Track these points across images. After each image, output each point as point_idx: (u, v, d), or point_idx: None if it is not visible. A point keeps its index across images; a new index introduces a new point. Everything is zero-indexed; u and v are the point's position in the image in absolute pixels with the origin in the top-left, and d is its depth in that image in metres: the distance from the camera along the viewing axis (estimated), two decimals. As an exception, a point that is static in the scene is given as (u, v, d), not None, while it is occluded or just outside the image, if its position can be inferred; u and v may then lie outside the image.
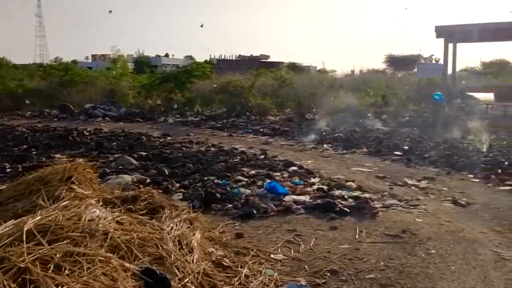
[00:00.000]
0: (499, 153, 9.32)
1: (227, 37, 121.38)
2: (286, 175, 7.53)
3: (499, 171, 7.78)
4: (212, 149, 10.08)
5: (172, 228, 3.86)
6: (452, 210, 5.81)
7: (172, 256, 3.34)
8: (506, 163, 8.24)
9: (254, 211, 5.51)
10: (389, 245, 4.50)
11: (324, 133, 12.52)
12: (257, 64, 40.89)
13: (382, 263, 4.03)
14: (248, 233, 4.86)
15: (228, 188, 6.52)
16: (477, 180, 7.45)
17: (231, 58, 53.55)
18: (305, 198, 6.10)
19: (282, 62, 45.30)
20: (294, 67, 40.32)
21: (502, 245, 4.53)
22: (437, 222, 5.20)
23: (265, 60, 51.42)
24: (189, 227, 4.16)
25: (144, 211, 4.31)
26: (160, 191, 6.02)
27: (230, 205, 5.78)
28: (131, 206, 4.38)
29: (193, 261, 3.51)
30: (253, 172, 7.61)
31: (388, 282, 3.68)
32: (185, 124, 15.88)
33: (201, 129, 14.57)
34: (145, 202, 4.52)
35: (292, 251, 4.35)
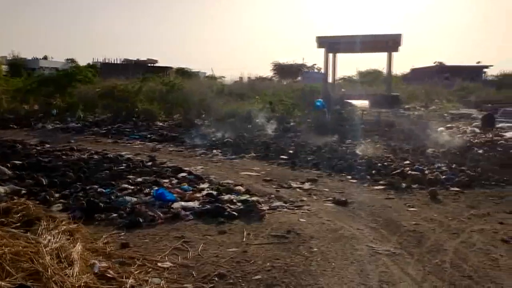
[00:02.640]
0: (373, 155, 10.08)
1: (112, 40, 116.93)
2: (175, 181, 7.43)
3: (374, 172, 8.43)
4: (96, 156, 9.60)
5: (49, 240, 3.62)
6: (332, 209, 6.15)
7: (49, 271, 3.13)
8: (379, 164, 8.94)
9: (141, 220, 5.35)
10: (275, 245, 4.64)
11: (213, 139, 12.58)
12: (144, 69, 39.94)
13: (268, 264, 4.13)
14: (134, 242, 4.70)
15: (113, 197, 6.27)
16: (355, 181, 7.98)
17: (116, 62, 51.60)
18: (194, 204, 6.08)
19: (171, 67, 44.75)
20: (183, 73, 40.08)
21: (376, 240, 4.90)
22: (319, 222, 5.48)
23: (152, 65, 50.32)
24: (69, 239, 3.93)
25: (18, 224, 3.99)
26: (37, 202, 5.62)
27: (115, 214, 5.55)
28: (2, 219, 4.04)
29: (73, 275, 3.31)
30: (139, 179, 7.40)
31: (274, 281, 3.79)
32: (66, 130, 14.99)
33: (84, 135, 13.87)
34: (19, 215, 4.19)
35: (180, 258, 4.29)
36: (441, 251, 4.61)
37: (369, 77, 42.76)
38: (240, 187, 7.04)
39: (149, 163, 8.93)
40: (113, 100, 18.79)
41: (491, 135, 13.08)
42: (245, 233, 4.99)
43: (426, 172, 8.28)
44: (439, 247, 4.73)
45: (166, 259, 4.25)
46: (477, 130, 14.35)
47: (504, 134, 13.26)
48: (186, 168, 8.43)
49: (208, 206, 5.87)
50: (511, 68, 45.62)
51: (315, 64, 56.28)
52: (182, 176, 7.77)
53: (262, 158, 10.11)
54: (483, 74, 49.53)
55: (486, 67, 49.34)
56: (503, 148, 10.90)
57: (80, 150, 10.56)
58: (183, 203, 6.07)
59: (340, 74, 44.19)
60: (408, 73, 51.15)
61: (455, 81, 37.96)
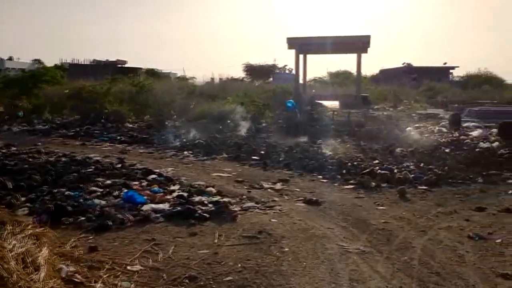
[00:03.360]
0: (343, 155, 10.19)
1: (81, 41, 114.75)
2: (145, 183, 7.34)
3: (344, 171, 8.52)
4: (63, 159, 9.39)
5: (14, 245, 3.52)
6: (304, 209, 6.18)
7: (15, 276, 3.04)
8: (349, 164, 9.05)
9: (110, 223, 5.26)
10: (247, 246, 4.63)
11: (184, 140, 12.49)
12: (113, 70, 39.36)
13: (239, 265, 4.12)
14: (103, 246, 4.62)
15: (81, 200, 6.14)
16: (325, 181, 8.05)
17: (85, 62, 50.68)
18: (165, 206, 6.02)
19: (141, 68, 44.24)
20: (153, 73, 39.67)
21: (346, 239, 4.95)
22: (291, 221, 5.50)
23: (122, 66, 49.63)
24: (35, 243, 3.83)
25: (-19, 229, 3.86)
26: (2, 206, 5.48)
27: (83, 218, 5.44)
28: (-37, 225, 3.91)
29: (39, 280, 3.23)
30: (109, 182, 7.27)
31: (245, 282, 3.78)
32: (33, 133, 14.62)
33: (51, 138, 13.56)
34: (-18, 219, 4.06)
35: (150, 260, 4.23)
36: (409, 248, 4.69)
37: (339, 78, 43.34)
38: (211, 189, 7.01)
39: (119, 165, 8.80)
40: (81, 101, 18.43)
41: (457, 135, 13.40)
42: (216, 235, 4.97)
43: (395, 171, 8.42)
44: (408, 244, 4.81)
45: (136, 262, 4.19)
46: (444, 130, 14.68)
47: (470, 133, 13.60)
48: (156, 170, 8.34)
49: (179, 208, 5.81)
50: (476, 69, 46.80)
51: (286, 65, 56.59)
52: (152, 178, 7.68)
53: (233, 159, 10.09)
54: (450, 75, 50.73)
55: (453, 68, 50.54)
56: (469, 147, 11.18)
57: (47, 152, 10.30)
58: (153, 205, 6.00)
59: (311, 75, 44.69)
60: (377, 74, 51.98)
61: (422, 81, 38.78)
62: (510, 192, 7.20)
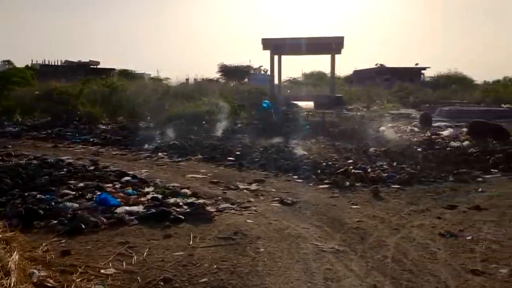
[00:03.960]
0: (318, 155, 10.27)
1: (52, 41, 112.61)
2: (118, 186, 7.26)
3: (319, 171, 8.59)
4: (35, 161, 9.18)
5: (-17, 251, 3.43)
6: (279, 209, 6.20)
7: (-17, 283, 2.96)
8: (324, 164, 9.13)
9: (83, 226, 5.17)
10: (222, 247, 4.62)
11: (159, 141, 12.38)
12: (86, 71, 38.77)
13: (215, 266, 4.11)
14: (76, 249, 4.54)
15: (53, 203, 6.02)
16: (301, 181, 8.10)
17: (56, 63, 49.70)
18: (139, 208, 5.95)
19: (114, 69, 43.67)
20: (127, 74, 39.26)
21: (321, 238, 4.99)
22: (266, 222, 5.51)
23: (95, 66, 48.88)
24: (5, 248, 3.76)
25: None
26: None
27: (55, 221, 5.34)
28: None
29: (10, 285, 3.17)
30: (81, 184, 7.16)
31: (221, 284, 3.77)
32: (2, 135, 14.24)
33: (22, 140, 13.25)
34: (-51, 225, 3.95)
35: (124, 263, 4.18)
36: (383, 246, 4.76)
37: (314, 79, 43.69)
38: (186, 190, 6.98)
39: (92, 168, 8.66)
40: (52, 102, 18.07)
41: (429, 134, 13.66)
42: (191, 236, 4.94)
43: (369, 170, 8.53)
44: (381, 243, 4.88)
45: (110, 265, 4.13)
46: (416, 129, 14.96)
47: (441, 132, 13.89)
48: (130, 172, 8.25)
49: (153, 210, 5.76)
50: (447, 69, 47.81)
51: (261, 66, 56.79)
52: (126, 180, 7.60)
53: (208, 160, 10.06)
54: (421, 76, 51.68)
55: (424, 68, 51.51)
56: (440, 146, 11.42)
57: (18, 155, 10.08)
58: (127, 207, 5.93)
59: (286, 75, 44.91)
60: (350, 75, 52.57)
61: (395, 82, 39.39)
62: (480, 190, 7.38)
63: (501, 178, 8.27)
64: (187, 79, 39.36)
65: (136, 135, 13.63)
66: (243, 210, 6.06)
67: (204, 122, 16.02)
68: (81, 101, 18.43)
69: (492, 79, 43.36)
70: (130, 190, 6.91)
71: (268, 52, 23.12)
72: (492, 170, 8.81)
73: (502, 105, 23.55)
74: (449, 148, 10.95)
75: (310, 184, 7.84)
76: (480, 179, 8.14)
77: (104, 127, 16.19)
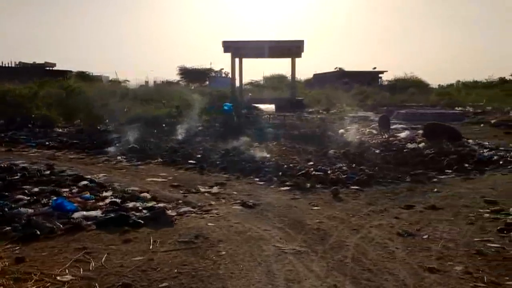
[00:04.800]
0: (279, 157, 10.32)
1: (6, 42, 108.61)
2: (75, 190, 7.06)
3: (280, 173, 8.62)
4: (-14, 166, 8.81)
5: None
6: (241, 212, 6.19)
7: None
8: (285, 166, 9.18)
9: (38, 232, 5.00)
10: (183, 251, 4.56)
11: (117, 145, 12.13)
12: (41, 73, 37.58)
13: (175, 270, 4.05)
14: (30, 256, 4.39)
15: (6, 209, 5.79)
16: (262, 183, 8.11)
17: (10, 65, 47.92)
18: (97, 213, 5.81)
19: (71, 71, 42.54)
20: (84, 76, 38.32)
21: (282, 240, 5.01)
22: (228, 225, 5.49)
23: (50, 68, 47.45)
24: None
25: None
26: None
27: (9, 228, 5.13)
28: None
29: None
30: (36, 189, 6.92)
31: (181, 288, 3.72)
32: (-48, 139, 13.60)
33: (-28, 144, 12.69)
34: None
35: (81, 270, 4.06)
36: (343, 247, 4.82)
37: (275, 82, 43.96)
38: (146, 194, 6.86)
39: (47, 172, 8.39)
40: (6, 105, 17.40)
41: (386, 136, 13.99)
42: (151, 241, 4.86)
43: (329, 172, 8.65)
44: (341, 243, 4.94)
45: (66, 272, 4.01)
46: (374, 132, 15.27)
47: (398, 134, 14.24)
48: (87, 176, 8.03)
49: (112, 215, 5.63)
50: (403, 73, 49.11)
51: (222, 69, 56.63)
52: (84, 185, 7.40)
53: (169, 163, 9.93)
54: (379, 79, 52.90)
55: (381, 72, 52.75)
56: (397, 148, 11.70)
57: (-33, 160, 9.64)
58: (84, 212, 5.77)
59: (247, 78, 45.00)
60: (311, 78, 53.23)
61: (354, 85, 40.14)
62: (435, 190, 7.61)
63: (455, 179, 8.56)
64: (147, 82, 38.83)
65: (94, 138, 13.30)
66: (204, 214, 6.01)
67: (164, 125, 15.82)
68: (36, 104, 17.83)
69: (446, 83, 44.95)
70: (87, 194, 6.73)
71: (229, 55, 23.07)
72: (446, 170, 9.10)
73: (456, 108, 24.39)
74: (406, 150, 11.23)
75: (272, 186, 7.87)
76: (435, 179, 8.39)
77: (60, 130, 15.74)
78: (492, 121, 17.63)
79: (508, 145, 12.26)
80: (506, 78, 40.56)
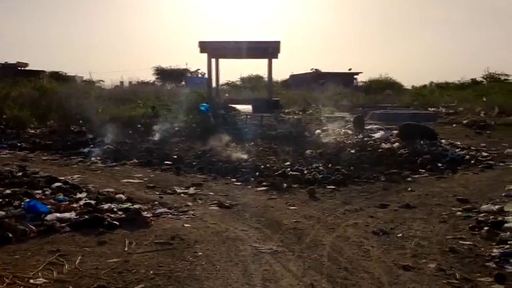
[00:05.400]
0: (256, 157, 10.34)
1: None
2: (48, 192, 6.92)
3: (257, 173, 8.64)
4: (-45, 168, 8.58)
5: None
6: (217, 212, 6.18)
7: None
8: (262, 166, 9.19)
9: (10, 235, 4.89)
10: (159, 253, 4.53)
11: (92, 146, 11.95)
12: (13, 73, 36.77)
13: (151, 272, 4.02)
14: (2, 259, 4.30)
15: (-24, 212, 5.64)
16: (239, 183, 8.12)
17: (-20, 65, 46.70)
18: (71, 215, 5.72)
19: (44, 71, 41.70)
20: (58, 77, 37.62)
21: (259, 240, 5.03)
22: (204, 226, 5.47)
23: (23, 68, 46.43)
24: None
25: None
26: None
27: (-21, 231, 5.00)
28: None
29: None
30: (8, 191, 6.76)
31: (158, 289, 3.69)
32: None
33: None
34: None
35: (55, 273, 3.99)
36: (319, 246, 4.86)
37: (252, 83, 43.97)
38: (121, 195, 6.77)
39: (19, 173, 8.22)
40: (-25, 106, 16.98)
41: (361, 136, 14.13)
42: (127, 242, 4.81)
43: (305, 172, 8.70)
44: (318, 242, 4.98)
45: (39, 275, 3.94)
46: (350, 132, 15.40)
47: (372, 135, 14.40)
48: (61, 178, 7.89)
49: (86, 217, 5.55)
50: (378, 74, 49.68)
51: (199, 69, 56.26)
52: (57, 186, 7.26)
53: (145, 164, 9.83)
54: (355, 80, 53.42)
55: (357, 73, 53.27)
56: (372, 148, 11.83)
57: None
58: (58, 214, 5.67)
59: (224, 79, 44.87)
60: (287, 79, 53.42)
61: (329, 86, 40.47)
62: (409, 189, 7.74)
63: (429, 178, 8.72)
64: (122, 82, 38.42)
65: (68, 139, 13.08)
66: (181, 215, 5.98)
67: (139, 125, 15.66)
68: (8, 104, 17.44)
69: (420, 84, 45.62)
70: (61, 196, 6.61)
71: (205, 55, 22.95)
72: (420, 170, 9.26)
73: (429, 108, 24.81)
74: (381, 150, 11.37)
75: (249, 187, 7.88)
76: (409, 179, 8.53)
77: (33, 131, 15.39)
78: (464, 121, 17.97)
79: (479, 145, 12.56)
80: (477, 79, 41.45)
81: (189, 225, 5.46)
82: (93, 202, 6.30)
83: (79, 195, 6.77)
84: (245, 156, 10.43)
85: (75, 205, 6.22)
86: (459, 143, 12.71)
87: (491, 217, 5.84)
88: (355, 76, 53.35)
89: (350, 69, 52.86)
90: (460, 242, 5.02)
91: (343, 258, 4.52)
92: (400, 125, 13.49)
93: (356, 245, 4.91)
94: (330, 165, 9.46)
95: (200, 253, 4.52)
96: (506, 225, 5.41)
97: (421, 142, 11.61)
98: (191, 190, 7.47)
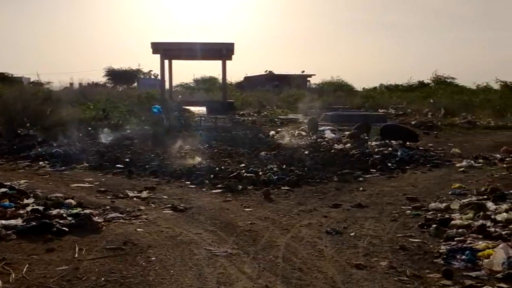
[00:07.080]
0: (211, 160, 10.27)
1: None
2: (-7, 198, 6.60)
3: (212, 176, 8.58)
4: None
5: None
6: (171, 216, 6.10)
7: None
8: (217, 168, 9.15)
9: (-51, 245, 4.63)
10: (110, 259, 4.42)
11: (40, 149, 11.50)
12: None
13: (102, 279, 3.91)
14: None
15: None
16: (194, 186, 8.04)
17: None
18: (17, 221, 5.51)
19: (-13, 73, 39.90)
20: (3, 78, 36.08)
21: (214, 243, 4.99)
22: (158, 230, 5.39)
23: (-36, 69, 44.23)
24: None
25: None
26: None
27: None
28: None
29: None
30: None
31: (109, 297, 3.60)
32: None
33: None
34: None
35: (0, 282, 3.82)
36: (274, 247, 4.89)
37: (206, 84, 43.79)
38: (71, 200, 6.55)
39: (-40, 180, 7.81)
40: None
41: (315, 138, 14.34)
42: (77, 249, 4.66)
43: (260, 173, 8.74)
44: (272, 243, 5.01)
45: (-18, 286, 3.74)
46: (303, 133, 15.59)
47: (325, 136, 14.64)
48: (7, 183, 7.53)
49: (34, 223, 5.34)
50: (330, 77, 50.55)
51: (151, 71, 55.39)
52: (3, 192, 6.93)
53: (95, 168, 9.57)
54: (308, 82, 54.14)
55: (310, 75, 54.03)
56: (325, 148, 12.04)
57: None
58: (3, 221, 5.44)
59: (177, 80, 44.42)
60: (242, 81, 53.51)
61: (283, 88, 40.83)
62: (361, 188, 7.92)
63: (379, 177, 8.96)
64: (71, 83, 37.30)
65: (14, 143, 12.55)
66: (133, 219, 5.87)
67: (90, 128, 15.24)
68: None
69: (370, 86, 46.75)
70: (6, 202, 6.33)
71: (158, 56, 22.65)
72: (371, 170, 9.50)
73: (379, 110, 25.49)
74: (333, 151, 11.59)
75: (204, 189, 7.83)
76: (361, 178, 8.73)
77: (-25, 135, 14.66)
78: (412, 122, 18.58)
79: (426, 145, 13.02)
80: (425, 81, 42.84)
81: (142, 230, 5.36)
82: (41, 208, 6.06)
83: (26, 201, 6.51)
84: (199, 159, 10.34)
85: (21, 211, 5.98)
86: (408, 143, 13.11)
87: (439, 214, 6.08)
88: (308, 79, 54.09)
89: (303, 71, 53.56)
90: (410, 240, 5.18)
91: (297, 258, 4.56)
92: (383, 125, 13.75)
93: (310, 245, 4.97)
94: (284, 166, 9.54)
95: (153, 258, 4.44)
96: (452, 222, 5.64)
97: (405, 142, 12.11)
98: (144, 194, 7.33)
